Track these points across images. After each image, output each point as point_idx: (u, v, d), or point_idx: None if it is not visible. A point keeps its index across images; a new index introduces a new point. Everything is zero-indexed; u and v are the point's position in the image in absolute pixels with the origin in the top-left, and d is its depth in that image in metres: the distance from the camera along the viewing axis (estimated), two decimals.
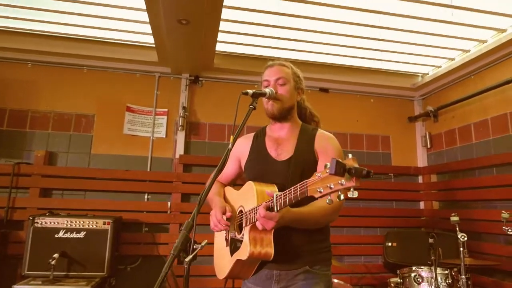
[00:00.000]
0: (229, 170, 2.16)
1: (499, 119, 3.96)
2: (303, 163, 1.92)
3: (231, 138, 1.69)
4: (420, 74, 4.83)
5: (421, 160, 4.83)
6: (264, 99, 1.96)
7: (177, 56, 4.03)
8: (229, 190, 2.12)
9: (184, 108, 4.32)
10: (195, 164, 4.31)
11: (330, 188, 1.40)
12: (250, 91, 1.83)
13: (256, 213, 1.71)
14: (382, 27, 3.76)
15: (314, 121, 2.13)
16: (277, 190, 1.78)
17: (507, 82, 3.91)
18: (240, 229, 1.90)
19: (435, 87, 4.81)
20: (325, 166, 1.38)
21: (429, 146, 4.84)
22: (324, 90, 4.72)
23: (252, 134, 2.14)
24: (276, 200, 1.67)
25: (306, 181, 1.48)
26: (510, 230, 3.03)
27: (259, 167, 1.93)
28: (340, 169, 1.33)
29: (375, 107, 4.86)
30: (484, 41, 4.04)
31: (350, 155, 1.36)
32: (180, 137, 4.31)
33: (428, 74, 4.76)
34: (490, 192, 3.93)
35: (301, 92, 2.08)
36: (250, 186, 1.84)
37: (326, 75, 4.49)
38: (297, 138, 1.99)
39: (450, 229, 4.08)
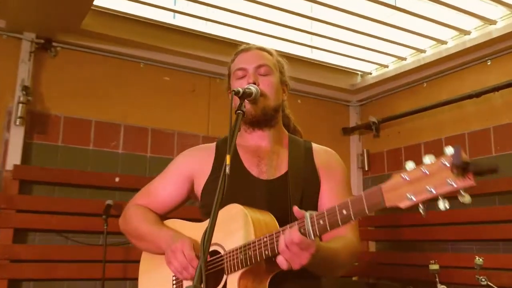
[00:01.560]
0: (168, 192, 1.83)
1: (455, 140, 3.77)
2: (303, 183, 1.69)
3: (227, 158, 1.35)
4: (359, 73, 4.48)
5: (355, 186, 4.46)
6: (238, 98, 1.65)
7: (18, 2, 2.93)
8: (178, 223, 1.78)
9: (25, 89, 3.22)
10: (39, 182, 3.30)
11: (430, 191, 1.13)
12: (240, 89, 1.57)
13: (261, 246, 1.41)
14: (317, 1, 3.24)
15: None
16: (275, 222, 1.54)
17: (469, 97, 3.64)
18: (216, 279, 1.55)
19: (379, 92, 4.47)
20: (422, 163, 1.14)
21: (366, 168, 4.57)
22: None
23: (211, 145, 1.86)
24: (313, 220, 1.34)
25: (380, 186, 1.21)
26: (484, 279, 2.83)
27: (234, 190, 1.56)
28: (461, 161, 1.07)
29: (302, 110, 4.29)
30: (443, 42, 3.78)
31: (449, 147, 1.10)
32: (16, 136, 3.26)
33: (371, 73, 4.42)
34: (446, 230, 3.63)
35: (286, 88, 1.85)
36: (238, 213, 1.52)
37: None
38: (288, 149, 1.78)
39: (395, 277, 3.81)
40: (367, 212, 1.26)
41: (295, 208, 1.40)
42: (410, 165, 1.18)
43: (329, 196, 1.67)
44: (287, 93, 1.86)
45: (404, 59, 4.09)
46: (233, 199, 1.55)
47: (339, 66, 4.30)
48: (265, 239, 1.43)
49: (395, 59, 4.14)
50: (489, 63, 3.64)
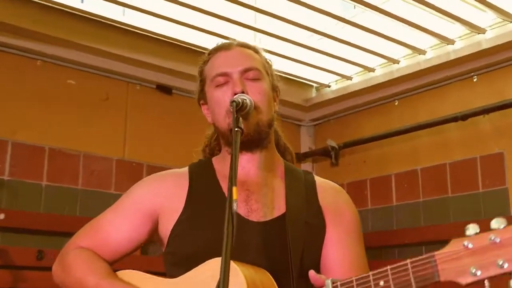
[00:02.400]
0: (122, 235, 1.69)
1: (434, 172, 3.59)
2: (306, 229, 1.61)
3: (234, 191, 1.27)
4: (315, 85, 4.25)
5: None
6: (221, 110, 1.67)
7: None
8: (137, 277, 1.64)
9: None
10: None
11: (502, 266, 1.08)
12: (240, 100, 1.52)
13: None
14: None
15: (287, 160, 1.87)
16: (274, 283, 1.47)
17: (454, 119, 3.43)
18: None
19: (339, 110, 4.23)
20: (490, 228, 1.14)
21: None
22: (165, 90, 3.84)
23: (181, 171, 1.76)
24: None
25: (434, 254, 1.19)
26: None
27: (215, 235, 1.43)
28: None
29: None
30: (421, 51, 3.52)
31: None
32: None
33: (329, 86, 4.16)
34: None
35: (277, 95, 1.78)
36: (232, 271, 1.31)
37: (169, 62, 3.65)
38: (285, 181, 1.71)
39: None
40: (414, 286, 1.23)
41: (312, 273, 1.41)
42: (472, 229, 1.16)
43: (336, 248, 1.61)
44: (278, 101, 1.79)
45: (372, 70, 3.82)
46: (214, 248, 1.42)
47: (289, 75, 3.92)
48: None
49: (361, 69, 3.84)
50: (475, 80, 3.44)
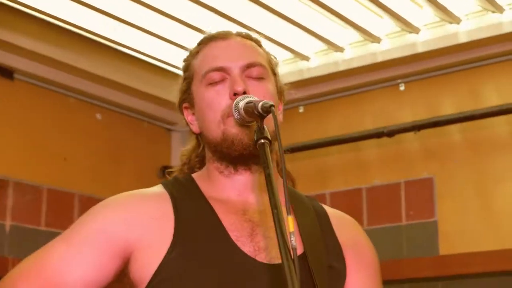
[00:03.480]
0: (81, 276, 1.41)
1: (347, 198, 3.30)
2: (331, 275, 1.46)
3: (290, 221, 1.11)
4: None
5: None
6: (214, 115, 1.44)
7: None
8: None
9: None
10: None
11: None
12: (258, 104, 1.28)
13: None
14: None
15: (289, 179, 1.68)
16: None
17: (378, 135, 3.16)
18: None
19: None
20: None
21: None
22: (6, 73, 3.41)
23: (159, 192, 1.47)
24: None
25: None
26: None
27: (218, 281, 1.38)
28: None
29: (102, 136, 3.63)
30: (339, 48, 3.17)
31: None
32: None
33: None
34: None
35: (282, 101, 1.59)
36: None
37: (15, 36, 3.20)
38: (293, 209, 1.47)
39: None
40: None
41: None
42: None
43: None
44: (282, 109, 1.61)
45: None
46: None
47: (159, 61, 3.46)
48: None
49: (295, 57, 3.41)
50: (402, 88, 3.18)
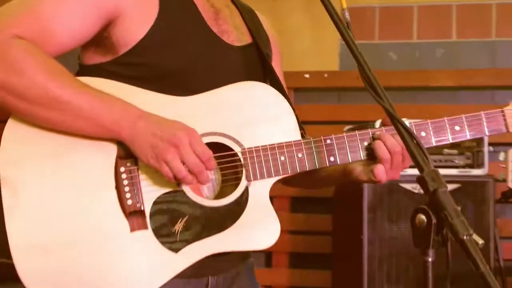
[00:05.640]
0: (71, 32, 1.38)
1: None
2: (267, 58, 1.63)
3: None
4: None
5: None
6: None
7: None
8: (125, 90, 1.39)
9: None
10: None
11: None
12: None
13: (335, 147, 1.41)
14: None
15: None
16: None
17: None
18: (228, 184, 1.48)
19: None
20: None
21: None
22: None
23: None
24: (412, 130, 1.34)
25: (502, 109, 1.38)
26: None
27: (204, 55, 1.46)
28: None
29: None
30: None
31: None
32: None
33: None
34: None
35: None
36: (270, 95, 1.46)
37: None
38: (237, 6, 1.64)
39: None
40: (487, 134, 1.35)
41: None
42: None
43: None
44: None
45: None
46: (203, 65, 1.46)
47: None
48: (338, 140, 1.43)
49: None
50: None
